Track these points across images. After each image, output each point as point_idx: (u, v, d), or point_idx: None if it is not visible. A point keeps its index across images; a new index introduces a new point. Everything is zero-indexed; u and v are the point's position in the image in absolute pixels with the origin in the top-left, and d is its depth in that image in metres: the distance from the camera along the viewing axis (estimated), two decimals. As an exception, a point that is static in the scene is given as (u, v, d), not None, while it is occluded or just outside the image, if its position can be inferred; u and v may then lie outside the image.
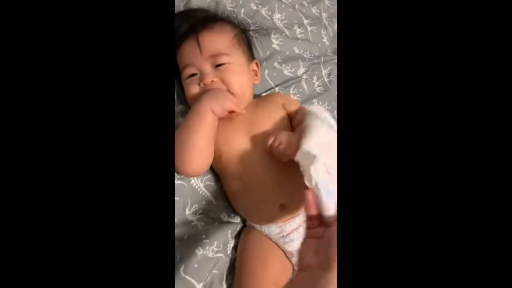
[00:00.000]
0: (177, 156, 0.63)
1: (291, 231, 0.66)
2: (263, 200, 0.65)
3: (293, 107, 0.74)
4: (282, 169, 0.66)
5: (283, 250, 0.68)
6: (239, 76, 0.69)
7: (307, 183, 0.51)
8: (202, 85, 0.68)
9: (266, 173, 0.65)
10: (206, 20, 0.73)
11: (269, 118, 0.70)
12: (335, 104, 0.97)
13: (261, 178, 0.65)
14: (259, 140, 0.67)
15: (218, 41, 0.70)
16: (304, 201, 0.48)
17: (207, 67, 0.68)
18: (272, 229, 0.67)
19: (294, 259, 0.67)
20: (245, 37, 0.78)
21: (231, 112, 0.66)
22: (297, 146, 0.56)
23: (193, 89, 0.69)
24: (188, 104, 0.75)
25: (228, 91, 0.68)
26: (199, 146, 0.63)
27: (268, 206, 0.65)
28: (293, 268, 0.69)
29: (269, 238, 0.68)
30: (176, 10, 0.81)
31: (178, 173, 0.67)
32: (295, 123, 0.71)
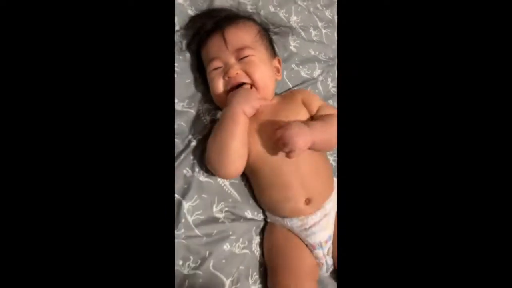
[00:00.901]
0: (215, 160, 0.65)
1: (313, 224, 0.68)
2: (289, 197, 0.67)
3: (313, 102, 0.74)
4: (307, 164, 0.68)
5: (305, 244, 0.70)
6: (262, 69, 0.71)
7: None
8: (226, 78, 0.70)
9: (291, 169, 0.67)
10: (231, 17, 0.76)
11: (291, 115, 0.71)
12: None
13: (287, 175, 0.67)
14: None
15: (243, 35, 0.72)
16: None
17: (232, 60, 0.70)
18: (294, 222, 0.69)
19: (316, 252, 0.69)
20: (267, 35, 0.80)
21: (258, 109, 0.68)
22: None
23: (218, 82, 0.71)
24: (213, 102, 0.76)
25: (252, 84, 0.70)
26: (237, 150, 0.65)
27: (294, 201, 0.67)
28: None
29: (291, 231, 0.70)
30: (199, 10, 0.82)
31: (216, 175, 0.69)
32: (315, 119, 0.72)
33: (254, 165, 0.69)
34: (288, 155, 0.63)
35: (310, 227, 0.68)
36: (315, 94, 0.90)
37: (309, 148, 0.65)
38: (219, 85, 0.71)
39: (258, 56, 0.72)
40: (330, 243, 0.69)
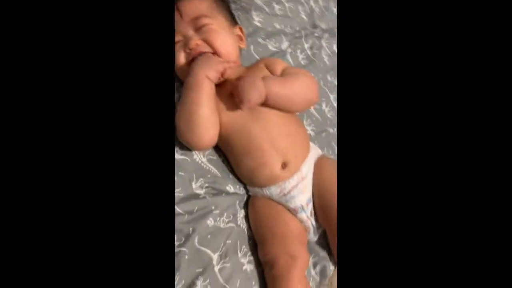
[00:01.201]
0: (186, 132, 0.63)
1: (291, 189, 0.67)
2: (264, 163, 0.66)
3: (276, 66, 0.72)
4: (277, 127, 0.67)
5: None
6: (223, 36, 0.69)
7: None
8: (188, 50, 0.68)
9: (262, 134, 0.66)
10: None
11: None
12: (321, 75, 0.99)
13: (258, 140, 0.65)
14: None
15: (197, 4, 0.70)
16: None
17: (190, 32, 0.68)
18: (273, 190, 0.67)
19: (299, 215, 0.68)
20: (225, 4, 0.78)
21: (223, 74, 0.66)
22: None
23: (180, 56, 0.69)
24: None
25: (214, 52, 0.68)
26: (206, 116, 0.63)
27: (269, 167, 0.66)
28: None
29: (272, 200, 0.69)
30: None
31: (191, 147, 0.66)
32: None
33: (226, 135, 0.67)
34: (240, 107, 0.63)
35: (288, 192, 0.67)
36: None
37: (271, 106, 0.65)
38: (181, 59, 0.69)
39: (217, 24, 0.69)
40: (311, 205, 0.68)
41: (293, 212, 0.68)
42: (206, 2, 0.72)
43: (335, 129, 0.92)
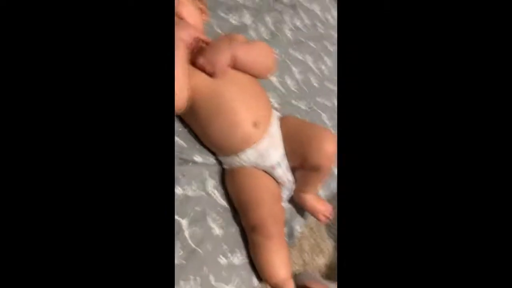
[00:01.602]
0: None
1: (266, 148, 0.70)
2: (237, 121, 0.68)
3: (238, 38, 0.77)
4: (248, 88, 0.71)
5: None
6: (189, 8, 0.74)
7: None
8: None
9: (235, 95, 0.68)
10: None
11: None
12: (284, 50, 1.01)
13: (232, 100, 0.68)
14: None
15: None
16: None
17: None
18: (249, 153, 0.70)
19: (276, 171, 0.72)
20: None
21: (198, 42, 0.69)
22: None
23: None
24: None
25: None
26: (179, 78, 0.64)
27: (242, 126, 0.68)
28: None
29: (248, 167, 0.71)
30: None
31: None
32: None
33: (194, 100, 0.68)
34: (212, 75, 0.67)
35: (264, 151, 0.70)
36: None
37: (237, 69, 0.69)
38: None
39: None
40: (285, 160, 0.72)
41: (270, 170, 0.71)
42: None
43: (299, 102, 0.95)
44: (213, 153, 0.75)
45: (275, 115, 0.76)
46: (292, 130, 0.73)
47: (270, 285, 0.67)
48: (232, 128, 0.68)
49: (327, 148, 0.65)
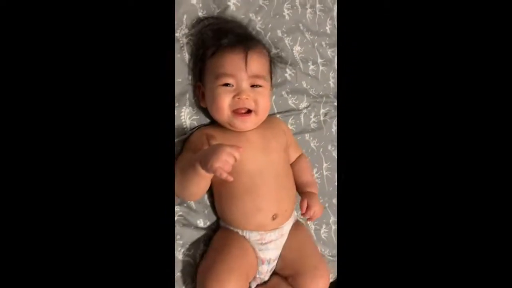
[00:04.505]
0: (178, 187, 0.66)
1: (269, 241, 0.72)
2: (261, 208, 0.70)
3: (291, 141, 0.84)
4: (282, 179, 0.75)
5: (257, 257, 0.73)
6: (267, 101, 0.77)
7: None
8: (237, 98, 0.72)
9: (270, 181, 0.72)
10: (252, 38, 0.80)
11: (276, 139, 0.79)
12: (323, 143, 1.04)
13: (265, 185, 0.71)
14: (268, 152, 0.75)
15: (262, 64, 0.76)
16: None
17: (246, 85, 0.73)
18: (253, 235, 0.72)
19: (261, 267, 0.73)
20: (271, 65, 0.83)
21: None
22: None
23: (225, 98, 0.72)
24: (197, 107, 0.78)
25: (254, 110, 0.74)
26: (203, 192, 0.70)
27: (264, 213, 0.71)
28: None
29: (247, 241, 0.73)
30: (210, 15, 0.83)
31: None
32: (296, 169, 0.83)
33: (234, 173, 0.67)
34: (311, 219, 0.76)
35: (266, 243, 0.72)
36: (295, 125, 0.95)
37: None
38: (225, 102, 0.72)
39: (266, 88, 0.76)
40: (275, 262, 0.74)
41: (259, 261, 0.73)
42: (266, 65, 0.79)
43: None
44: (217, 218, 0.77)
45: (294, 215, 0.78)
46: (295, 247, 0.74)
47: None
48: (253, 212, 0.70)
49: (319, 286, 0.67)
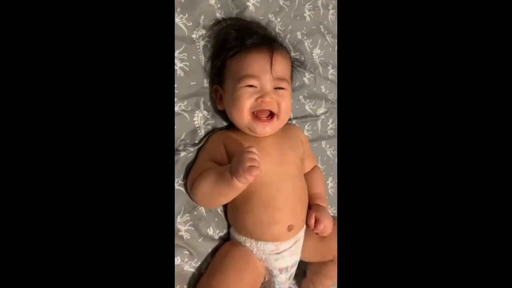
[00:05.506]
0: (199, 195, 0.66)
1: (284, 250, 0.71)
2: (277, 220, 0.69)
3: (307, 151, 0.82)
4: (299, 193, 0.73)
5: (267, 268, 0.72)
6: (289, 104, 0.74)
7: None
8: (260, 100, 0.69)
9: (288, 195, 0.70)
10: (276, 40, 0.77)
11: (293, 150, 0.77)
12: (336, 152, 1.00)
13: (284, 200, 0.69)
14: (285, 164, 0.73)
15: (285, 67, 0.74)
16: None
17: (270, 87, 0.70)
18: (268, 247, 0.70)
19: (280, 276, 0.71)
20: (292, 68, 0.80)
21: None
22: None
23: (248, 99, 0.69)
24: (213, 110, 0.75)
25: (276, 113, 0.71)
26: (225, 201, 0.69)
27: (280, 226, 0.69)
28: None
29: (255, 253, 0.71)
30: (228, 15, 0.80)
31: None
32: (309, 180, 0.80)
33: (251, 185, 0.66)
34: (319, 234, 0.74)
35: (281, 252, 0.70)
36: (311, 131, 0.92)
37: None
38: (247, 103, 0.69)
39: (289, 91, 0.73)
40: (294, 269, 0.73)
41: (276, 272, 0.71)
42: (289, 66, 0.77)
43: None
44: (229, 226, 0.75)
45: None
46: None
47: None
48: (269, 225, 0.68)
49: None
